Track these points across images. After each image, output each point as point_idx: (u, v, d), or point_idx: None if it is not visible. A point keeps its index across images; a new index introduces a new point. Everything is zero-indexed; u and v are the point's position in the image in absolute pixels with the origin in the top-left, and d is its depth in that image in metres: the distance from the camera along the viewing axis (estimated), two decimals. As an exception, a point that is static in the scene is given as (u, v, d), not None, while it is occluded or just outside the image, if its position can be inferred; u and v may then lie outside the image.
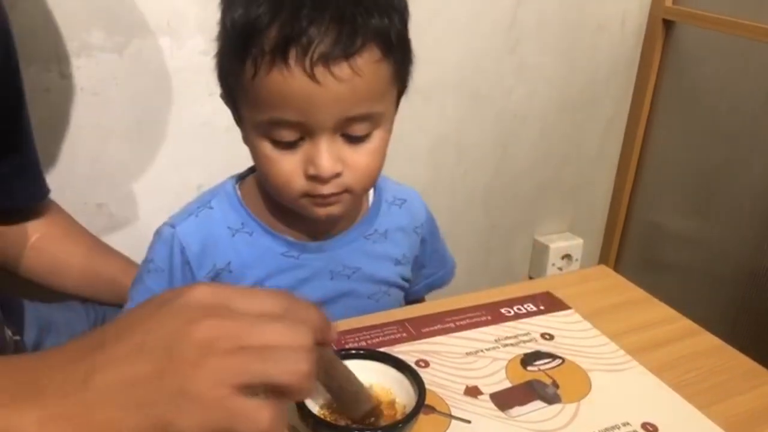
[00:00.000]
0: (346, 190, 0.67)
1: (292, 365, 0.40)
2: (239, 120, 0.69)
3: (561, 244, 1.75)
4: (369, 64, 0.61)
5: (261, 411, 0.39)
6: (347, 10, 0.60)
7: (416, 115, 1.44)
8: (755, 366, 0.70)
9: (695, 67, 1.59)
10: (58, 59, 1.09)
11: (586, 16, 1.55)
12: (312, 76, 0.59)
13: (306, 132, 0.63)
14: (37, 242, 0.93)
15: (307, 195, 0.67)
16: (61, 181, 1.15)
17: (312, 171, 0.64)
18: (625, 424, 0.60)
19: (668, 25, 1.60)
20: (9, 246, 0.92)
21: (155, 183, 1.22)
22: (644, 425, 0.60)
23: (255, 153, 0.67)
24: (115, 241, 1.07)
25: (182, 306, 0.41)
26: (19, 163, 0.87)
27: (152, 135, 1.20)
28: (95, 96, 1.13)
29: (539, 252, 1.76)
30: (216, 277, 0.72)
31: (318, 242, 0.75)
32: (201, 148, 1.22)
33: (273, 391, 0.40)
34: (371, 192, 0.79)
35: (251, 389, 0.39)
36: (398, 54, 0.65)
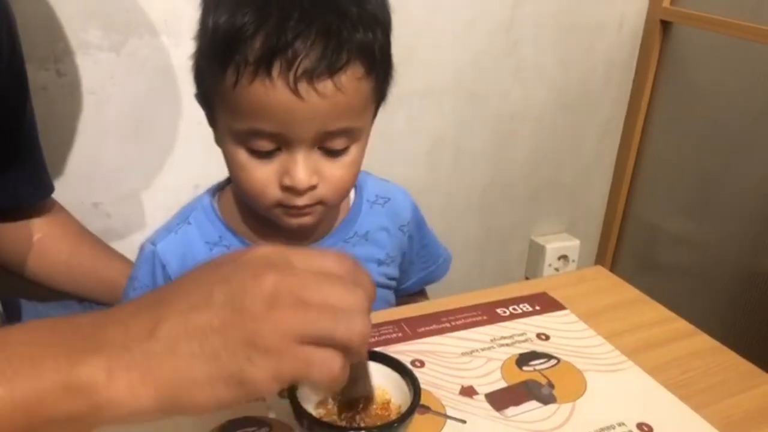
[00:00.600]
0: (320, 202, 0.67)
1: (353, 325, 0.41)
2: (213, 123, 0.69)
3: (558, 244, 1.75)
4: (352, 81, 0.61)
5: (333, 359, 0.40)
6: (333, 23, 0.59)
7: (413, 116, 1.44)
8: (751, 367, 0.70)
9: (693, 68, 1.60)
10: (55, 58, 1.09)
11: (583, 17, 1.55)
12: (295, 91, 0.59)
13: (283, 143, 0.63)
14: (39, 242, 0.93)
15: (280, 205, 0.66)
16: (58, 180, 1.15)
17: (288, 182, 0.64)
18: (621, 425, 0.60)
19: (666, 26, 1.60)
20: (11, 245, 0.92)
21: (152, 182, 1.22)
22: (639, 426, 0.60)
23: (229, 160, 0.67)
24: (112, 240, 1.07)
25: (247, 262, 0.42)
26: (22, 162, 0.87)
27: (149, 134, 1.20)
28: (92, 95, 1.13)
29: (536, 253, 1.76)
30: None
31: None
32: (198, 147, 1.22)
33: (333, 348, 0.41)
34: (351, 193, 0.79)
35: (314, 343, 0.40)
36: (380, 70, 0.65)
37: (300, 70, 0.58)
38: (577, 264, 1.79)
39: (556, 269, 1.76)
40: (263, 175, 0.64)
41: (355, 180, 0.69)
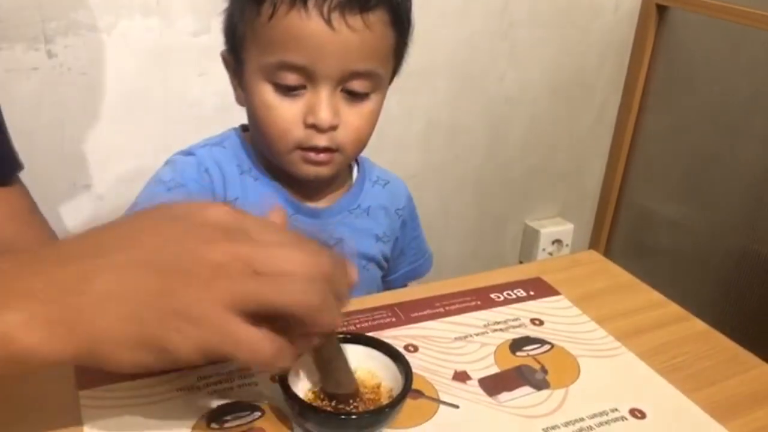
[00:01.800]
0: (338, 150, 0.69)
1: (301, 295, 0.39)
2: (239, 73, 0.70)
3: (552, 229, 1.75)
4: (379, 23, 0.66)
5: (264, 342, 0.38)
6: None
7: (408, 99, 1.43)
8: (742, 351, 0.70)
9: (688, 52, 1.59)
10: (46, 38, 1.08)
11: (579, 0, 1.55)
12: (328, 21, 0.63)
13: (310, 79, 0.66)
14: None
15: (300, 147, 0.68)
16: (49, 162, 1.14)
17: (311, 120, 0.66)
18: (614, 410, 0.60)
19: (661, 10, 1.59)
20: None
21: (144, 164, 1.21)
22: (632, 411, 0.60)
23: (255, 101, 0.68)
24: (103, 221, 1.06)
25: (200, 224, 0.40)
26: None
27: (141, 116, 1.19)
28: (83, 76, 1.12)
29: (530, 237, 1.76)
30: None
31: (313, 206, 0.76)
32: (190, 128, 1.21)
33: (283, 320, 0.39)
34: (355, 169, 0.81)
35: (260, 319, 0.38)
36: (402, 26, 0.69)
37: (334, 2, 0.63)
38: (571, 248, 1.80)
39: (550, 253, 1.76)
40: (288, 114, 0.67)
41: (370, 134, 0.72)
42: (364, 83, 0.68)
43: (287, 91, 0.66)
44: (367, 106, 0.69)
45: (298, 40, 0.64)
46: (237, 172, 0.74)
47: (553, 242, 1.76)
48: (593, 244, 1.87)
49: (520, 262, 1.79)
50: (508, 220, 1.73)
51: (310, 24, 0.63)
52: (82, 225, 1.15)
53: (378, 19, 0.66)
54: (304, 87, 0.66)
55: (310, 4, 0.63)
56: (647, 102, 1.69)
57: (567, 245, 1.79)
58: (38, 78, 1.09)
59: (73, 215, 1.17)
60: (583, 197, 1.84)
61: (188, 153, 0.75)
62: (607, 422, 0.59)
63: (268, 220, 0.45)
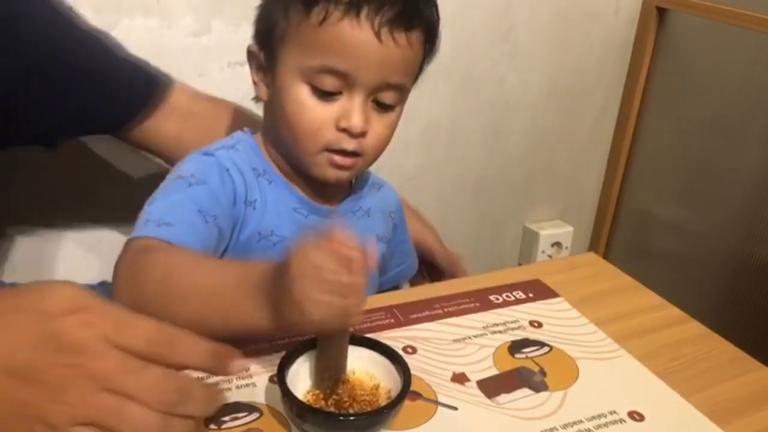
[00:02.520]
0: (362, 155, 0.71)
1: (141, 423, 0.43)
2: (268, 69, 0.72)
3: (551, 231, 1.75)
4: (417, 42, 0.69)
5: None
6: None
7: (408, 101, 1.43)
8: (741, 354, 0.70)
9: (688, 55, 1.59)
10: (46, 39, 1.07)
11: (579, 3, 1.55)
12: (378, 34, 0.66)
13: (347, 86, 0.68)
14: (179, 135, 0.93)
15: (328, 149, 0.70)
16: (48, 163, 1.14)
17: (344, 124, 0.68)
18: (612, 413, 0.60)
19: (661, 13, 1.59)
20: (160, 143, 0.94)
21: (144, 164, 1.21)
22: (631, 413, 0.60)
23: (289, 99, 0.69)
24: (104, 226, 1.07)
25: (49, 321, 0.43)
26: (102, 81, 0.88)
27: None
28: (83, 76, 1.12)
29: (529, 239, 1.76)
30: (246, 208, 0.73)
31: (327, 208, 0.77)
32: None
33: None
34: None
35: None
36: (432, 47, 0.74)
37: (385, 17, 0.66)
38: (570, 251, 1.80)
39: (549, 256, 1.76)
40: (322, 116, 0.69)
41: (387, 145, 0.75)
42: (393, 95, 0.71)
43: (324, 95, 0.68)
44: (392, 116, 0.73)
45: (346, 47, 0.66)
46: (254, 175, 0.74)
47: (553, 245, 1.76)
48: (593, 247, 1.86)
49: (520, 265, 1.79)
50: (507, 223, 1.73)
51: (360, 33, 0.66)
52: (86, 227, 1.15)
53: (417, 38, 0.69)
54: (340, 93, 0.68)
55: (363, 15, 0.66)
56: (647, 105, 1.69)
57: (566, 248, 1.79)
58: (38, 78, 1.09)
59: (72, 216, 1.17)
60: (582, 200, 1.84)
61: (207, 153, 0.74)
62: (605, 425, 0.59)
63: (128, 319, 0.46)
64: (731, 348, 0.71)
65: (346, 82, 0.68)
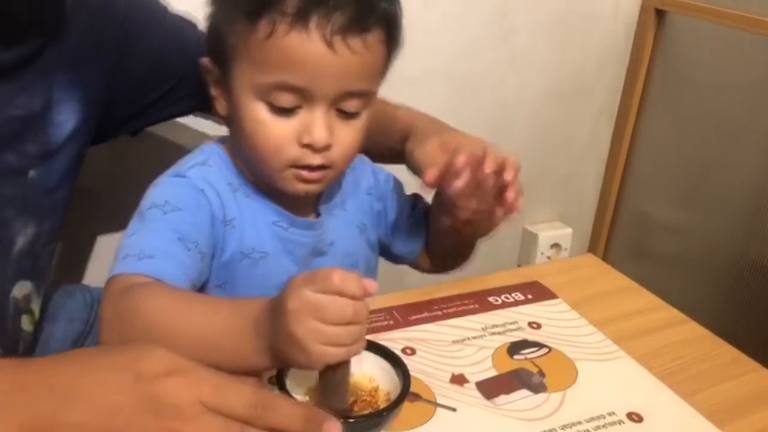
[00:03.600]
0: (330, 166, 0.68)
1: None
2: (225, 84, 0.68)
3: (550, 233, 1.76)
4: (376, 43, 0.65)
5: None
6: None
7: (407, 103, 1.42)
8: (739, 355, 0.70)
9: (687, 57, 1.59)
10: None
11: (578, 5, 1.55)
12: (330, 44, 0.61)
13: (306, 100, 0.64)
14: None
15: (293, 165, 0.67)
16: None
17: (307, 139, 0.65)
18: (611, 414, 0.60)
19: (660, 15, 1.60)
20: None
21: (141, 167, 1.21)
22: (630, 414, 0.60)
23: (245, 117, 0.66)
24: (100, 226, 1.07)
25: (148, 384, 0.45)
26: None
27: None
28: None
29: (528, 241, 1.76)
30: (224, 228, 0.70)
31: (305, 219, 0.74)
32: (188, 131, 1.21)
33: None
34: None
35: None
36: (394, 44, 0.68)
37: (336, 25, 0.61)
38: (569, 252, 1.80)
39: (549, 257, 1.76)
40: (282, 132, 0.65)
41: (360, 148, 0.71)
42: (357, 103, 0.66)
43: (282, 111, 0.65)
44: (358, 122, 0.68)
45: (298, 61, 0.62)
46: (230, 191, 0.71)
47: (552, 246, 1.76)
48: (592, 249, 1.87)
49: (519, 266, 1.79)
50: (506, 224, 1.73)
51: (311, 46, 0.61)
52: (81, 227, 1.15)
53: (375, 39, 0.65)
54: (299, 107, 0.65)
55: (312, 25, 0.61)
56: (646, 107, 1.69)
57: (566, 249, 1.79)
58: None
59: (71, 217, 1.17)
60: (581, 201, 1.84)
61: (178, 175, 0.71)
62: (604, 426, 0.59)
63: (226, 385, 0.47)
64: (730, 349, 0.71)
65: (304, 96, 0.64)
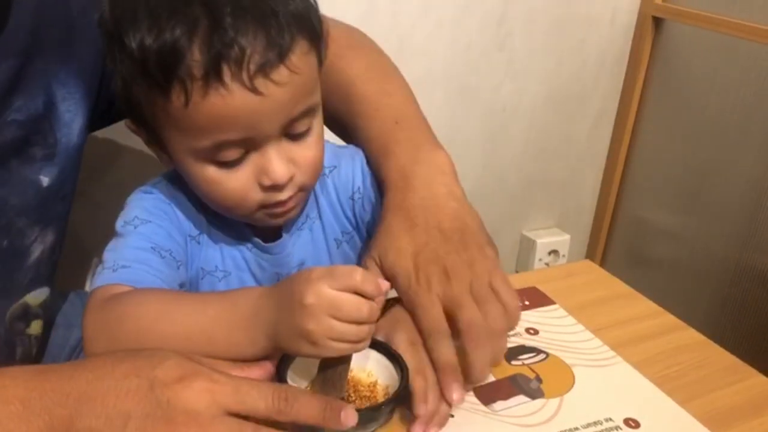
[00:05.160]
0: (301, 189, 0.65)
1: None
2: (158, 144, 0.64)
3: (548, 239, 1.76)
4: (301, 57, 0.58)
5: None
6: (266, 4, 0.56)
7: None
8: (736, 361, 0.70)
9: (684, 64, 1.60)
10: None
11: (575, 12, 1.56)
12: (254, 90, 0.56)
13: (251, 146, 0.60)
14: None
15: (263, 207, 0.64)
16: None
17: (267, 181, 0.61)
18: (608, 420, 0.60)
19: (658, 22, 1.60)
20: None
21: (140, 172, 1.21)
22: (627, 421, 0.60)
23: (196, 179, 0.62)
24: (100, 229, 1.06)
25: (167, 399, 0.46)
26: None
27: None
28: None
29: (526, 247, 1.76)
30: (190, 242, 0.69)
31: (267, 245, 0.72)
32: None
33: None
34: None
35: None
36: (319, 39, 0.62)
37: (253, 67, 0.55)
38: (567, 258, 1.80)
39: (547, 264, 1.76)
40: (240, 183, 0.62)
41: (323, 155, 0.67)
42: (304, 122, 0.62)
43: (231, 164, 0.60)
44: (313, 135, 0.64)
45: (228, 119, 0.57)
46: (195, 209, 0.69)
47: (550, 252, 1.76)
48: (590, 255, 1.87)
49: (517, 272, 1.79)
50: (504, 231, 1.73)
51: (234, 100, 0.55)
52: (79, 232, 1.15)
53: (300, 54, 0.58)
54: (247, 152, 0.60)
55: (227, 78, 0.55)
56: (643, 113, 1.70)
57: (564, 255, 1.79)
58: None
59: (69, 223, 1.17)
60: (579, 207, 1.84)
61: (147, 191, 0.70)
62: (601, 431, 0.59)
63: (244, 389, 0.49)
64: (727, 355, 0.71)
65: (248, 144, 0.60)
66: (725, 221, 1.56)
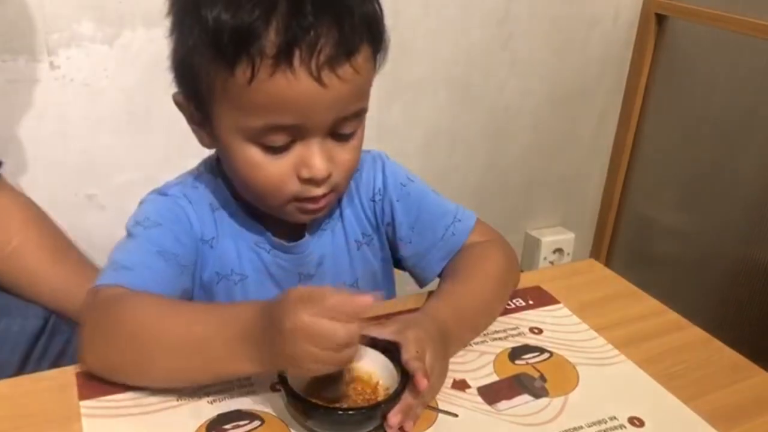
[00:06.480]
0: (333, 190, 0.66)
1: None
2: (206, 123, 0.65)
3: (553, 238, 1.76)
4: (365, 62, 0.61)
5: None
6: (342, 1, 0.59)
7: (408, 109, 1.44)
8: (740, 359, 0.70)
9: (687, 61, 1.60)
10: (49, 50, 1.09)
11: (578, 10, 1.55)
12: (318, 79, 0.57)
13: (300, 135, 0.61)
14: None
15: (296, 199, 0.65)
16: (51, 172, 1.15)
17: (306, 174, 0.62)
18: (612, 418, 0.60)
19: (661, 19, 1.60)
20: None
21: (145, 174, 1.22)
22: (631, 419, 0.60)
23: (238, 160, 0.63)
24: (105, 232, 1.07)
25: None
26: None
27: (142, 126, 1.20)
28: (85, 87, 1.13)
29: (531, 246, 1.76)
30: (203, 247, 0.70)
31: (289, 244, 0.72)
32: (191, 139, 1.22)
33: None
34: None
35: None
36: (382, 50, 0.64)
37: (322, 57, 0.57)
38: (572, 257, 1.80)
39: (551, 262, 1.76)
40: (279, 171, 0.62)
41: (359, 162, 0.68)
42: (353, 123, 0.63)
43: (276, 149, 0.61)
44: (356, 140, 0.65)
45: (287, 102, 0.58)
46: (209, 210, 0.70)
47: (554, 251, 1.76)
48: (594, 253, 1.87)
49: (521, 271, 1.79)
50: (509, 230, 1.73)
51: (299, 85, 0.57)
52: (86, 234, 1.16)
53: (364, 58, 0.60)
54: (293, 142, 0.61)
55: (296, 62, 0.56)
56: (647, 111, 1.70)
57: (568, 254, 1.79)
58: (41, 89, 1.10)
59: (75, 225, 1.18)
60: (583, 206, 1.84)
61: (162, 193, 0.70)
62: (605, 430, 0.59)
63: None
64: (731, 353, 0.71)
65: (297, 131, 0.61)
66: (729, 219, 1.55)
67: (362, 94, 0.63)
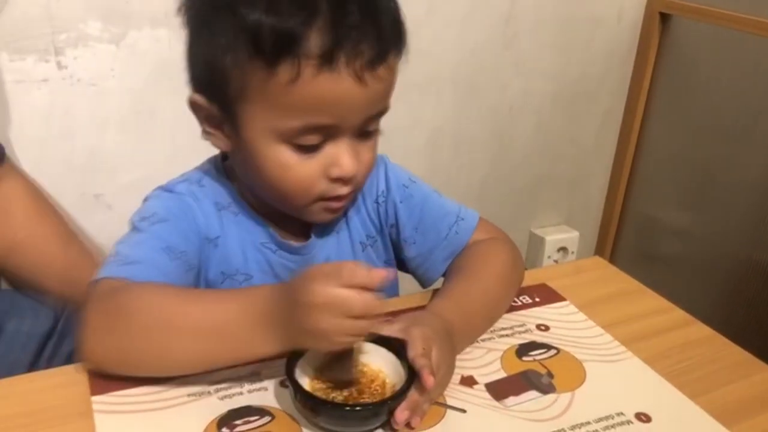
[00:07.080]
0: (355, 188, 0.67)
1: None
2: (224, 122, 0.64)
3: (557, 236, 1.76)
4: (395, 60, 0.62)
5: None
6: (378, 5, 0.60)
7: (413, 109, 1.44)
8: (747, 356, 0.70)
9: (692, 60, 1.60)
10: (56, 50, 1.09)
11: (582, 9, 1.56)
12: (360, 79, 0.59)
13: (331, 134, 0.62)
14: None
15: (321, 199, 0.65)
16: (59, 172, 1.15)
17: (337, 173, 0.63)
18: (619, 414, 0.61)
19: (665, 18, 1.60)
20: None
21: (153, 174, 1.22)
22: (638, 415, 0.61)
23: (267, 160, 0.63)
24: (113, 232, 1.07)
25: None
26: None
27: (149, 126, 1.20)
28: (92, 87, 1.14)
29: (535, 245, 1.77)
30: (208, 246, 0.70)
31: (296, 245, 0.73)
32: (197, 138, 1.22)
33: None
34: None
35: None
36: (404, 50, 0.64)
37: (365, 58, 0.58)
38: (576, 255, 1.80)
39: (556, 261, 1.76)
40: (310, 171, 0.63)
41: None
42: (377, 120, 0.65)
43: (307, 149, 0.62)
44: (375, 138, 0.67)
45: (329, 103, 0.59)
46: (215, 210, 0.70)
47: (559, 250, 1.76)
48: (599, 252, 1.87)
49: (526, 269, 1.79)
50: (513, 228, 1.73)
51: (341, 84, 0.58)
52: (93, 233, 1.16)
53: (394, 56, 0.62)
54: (324, 141, 0.62)
55: (341, 64, 0.57)
56: (651, 110, 1.70)
57: (572, 253, 1.79)
58: (48, 89, 1.10)
59: (83, 224, 1.18)
60: (588, 205, 1.84)
61: (167, 189, 0.70)
62: (612, 426, 0.59)
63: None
64: (737, 350, 0.71)
65: (330, 131, 0.62)
66: (733, 216, 1.56)
67: (389, 93, 0.64)
